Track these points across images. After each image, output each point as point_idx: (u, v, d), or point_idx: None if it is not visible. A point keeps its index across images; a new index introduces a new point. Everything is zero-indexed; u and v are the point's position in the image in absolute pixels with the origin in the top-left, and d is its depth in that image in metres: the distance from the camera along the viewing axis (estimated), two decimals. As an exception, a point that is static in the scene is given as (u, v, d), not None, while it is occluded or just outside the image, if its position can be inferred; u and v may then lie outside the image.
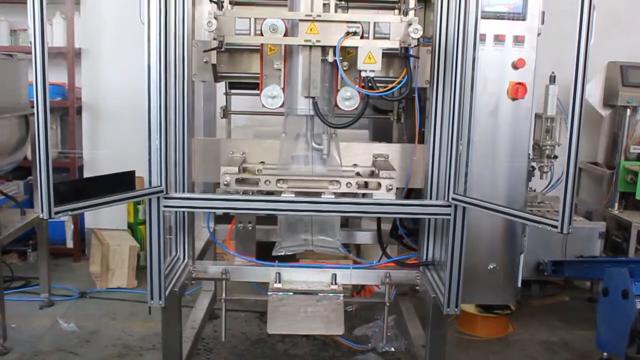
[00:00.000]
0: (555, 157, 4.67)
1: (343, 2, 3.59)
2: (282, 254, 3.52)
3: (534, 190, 5.19)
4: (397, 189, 3.33)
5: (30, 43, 2.50)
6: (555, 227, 2.59)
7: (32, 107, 2.50)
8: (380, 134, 4.75)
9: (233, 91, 4.16)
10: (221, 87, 4.27)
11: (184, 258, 3.54)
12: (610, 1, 5.95)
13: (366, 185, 3.18)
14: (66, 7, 5.97)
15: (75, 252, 6.23)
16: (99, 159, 6.25)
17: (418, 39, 3.09)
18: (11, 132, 4.60)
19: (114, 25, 5.97)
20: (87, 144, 6.31)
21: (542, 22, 3.44)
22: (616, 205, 5.66)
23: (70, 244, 6.25)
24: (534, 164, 4.23)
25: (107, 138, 6.26)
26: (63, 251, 6.24)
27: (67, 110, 6.03)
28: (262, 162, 3.51)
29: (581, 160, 5.38)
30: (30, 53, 2.49)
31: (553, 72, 4.46)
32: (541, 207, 5.39)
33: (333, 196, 3.09)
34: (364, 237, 4.64)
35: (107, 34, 6.11)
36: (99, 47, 6.19)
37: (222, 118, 4.24)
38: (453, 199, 3.06)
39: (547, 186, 4.94)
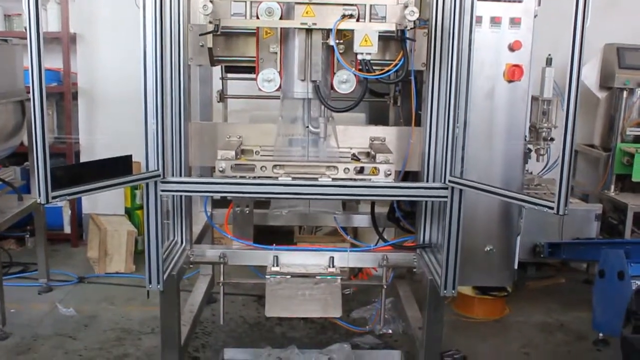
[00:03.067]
0: (552, 139, 4.68)
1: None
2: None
3: (531, 173, 5.20)
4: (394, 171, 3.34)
5: (25, 28, 2.49)
6: (552, 208, 2.60)
7: (28, 92, 2.49)
8: (377, 117, 4.75)
9: (229, 75, 4.15)
10: (217, 71, 4.26)
11: (181, 242, 3.55)
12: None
13: (363, 170, 3.17)
14: (61, -8, 5.95)
15: (72, 238, 6.24)
16: (96, 144, 6.23)
17: (414, 22, 3.08)
18: (7, 117, 4.59)
19: (109, 10, 5.94)
20: (83, 129, 6.29)
21: (539, 4, 3.43)
22: (612, 187, 5.68)
23: (67, 229, 6.26)
24: (530, 146, 4.24)
25: (104, 123, 6.25)
26: (61, 237, 6.25)
27: (63, 95, 6.02)
28: (259, 146, 3.51)
29: (577, 142, 5.40)
30: (25, 38, 2.48)
31: (549, 55, 4.47)
32: (538, 189, 5.40)
33: (330, 179, 3.10)
34: (361, 220, 4.65)
35: (102, 18, 6.08)
36: (94, 31, 6.16)
37: (218, 102, 4.24)
38: (450, 181, 3.06)
39: (543, 168, 4.96)
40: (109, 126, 6.13)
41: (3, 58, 4.58)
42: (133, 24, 3.07)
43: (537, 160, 4.65)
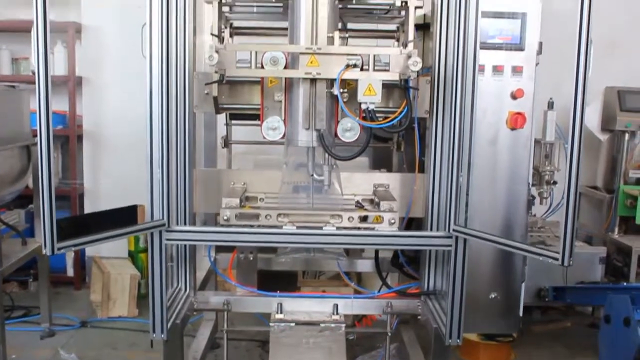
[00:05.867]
0: (555, 182, 4.70)
1: (343, 32, 3.62)
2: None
3: (534, 215, 5.21)
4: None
5: (32, 72, 2.53)
6: (557, 259, 2.59)
7: (34, 136, 2.52)
8: (380, 161, 4.76)
9: (234, 121, 4.18)
10: (222, 116, 4.29)
11: (185, 289, 3.54)
12: (605, 26, 5.99)
13: (367, 218, 3.18)
14: (67, 36, 6.02)
15: (76, 281, 6.23)
16: (100, 187, 6.27)
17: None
18: (13, 162, 4.62)
19: (115, 54, 6.01)
20: (88, 172, 6.33)
21: (540, 52, 3.48)
22: (616, 229, 5.67)
23: (71, 272, 6.25)
24: (534, 192, 4.25)
25: (109, 165, 6.28)
26: (64, 279, 6.23)
27: (68, 138, 6.06)
28: (264, 193, 3.52)
29: (581, 184, 5.39)
30: (32, 82, 2.52)
31: (551, 98, 4.51)
32: (542, 232, 5.40)
33: (334, 228, 3.10)
34: (365, 265, 4.64)
35: (108, 62, 6.15)
36: (100, 75, 6.23)
37: (223, 148, 4.27)
38: (454, 230, 3.07)
39: (547, 211, 4.96)
40: (114, 169, 6.16)
41: (10, 104, 4.63)
42: (139, 67, 3.12)
43: (541, 203, 4.66)
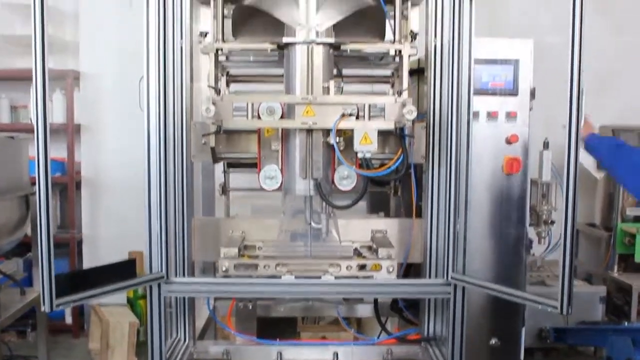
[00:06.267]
0: (552, 222, 4.70)
1: (338, 79, 3.66)
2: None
3: (533, 254, 5.20)
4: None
5: (31, 120, 2.56)
6: (556, 307, 2.59)
7: (33, 183, 2.54)
8: (378, 204, 4.77)
9: (231, 169, 4.20)
10: (220, 164, 4.30)
11: (184, 339, 3.53)
12: (597, 63, 6.06)
13: (365, 266, 3.18)
14: (66, 83, 6.09)
15: (74, 329, 6.19)
16: (99, 233, 6.26)
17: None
18: (12, 212, 4.63)
19: (113, 101, 6.06)
20: (86, 218, 6.33)
21: (533, 97, 3.52)
22: (615, 267, 5.67)
23: (69, 320, 6.22)
24: (532, 232, 4.26)
25: (107, 212, 6.28)
26: (62, 327, 6.19)
27: (66, 185, 6.08)
28: (262, 241, 3.52)
29: (578, 222, 5.40)
30: (31, 129, 2.57)
31: (546, 138, 4.54)
32: (541, 271, 5.40)
33: (333, 278, 3.10)
34: (364, 309, 4.61)
35: (106, 109, 6.19)
36: (99, 122, 6.26)
37: (220, 195, 4.28)
38: (452, 278, 3.07)
39: (545, 250, 4.95)
40: (112, 215, 6.17)
41: (9, 154, 4.65)
42: (137, 114, 3.15)
43: (539, 243, 4.66)
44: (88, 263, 6.18)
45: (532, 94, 3.51)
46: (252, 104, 3.13)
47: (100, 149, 6.27)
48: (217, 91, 3.19)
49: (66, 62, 6.21)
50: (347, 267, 3.14)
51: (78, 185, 6.28)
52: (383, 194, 4.46)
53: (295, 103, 3.09)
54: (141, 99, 3.08)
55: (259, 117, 3.13)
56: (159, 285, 3.05)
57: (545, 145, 4.57)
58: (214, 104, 3.02)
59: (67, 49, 6.25)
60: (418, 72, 3.72)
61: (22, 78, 5.75)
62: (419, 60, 3.66)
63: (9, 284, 4.84)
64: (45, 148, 2.51)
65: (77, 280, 2.76)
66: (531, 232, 4.16)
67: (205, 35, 3.55)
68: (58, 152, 6.04)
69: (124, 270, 2.96)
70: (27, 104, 6.29)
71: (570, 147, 2.55)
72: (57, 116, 6.12)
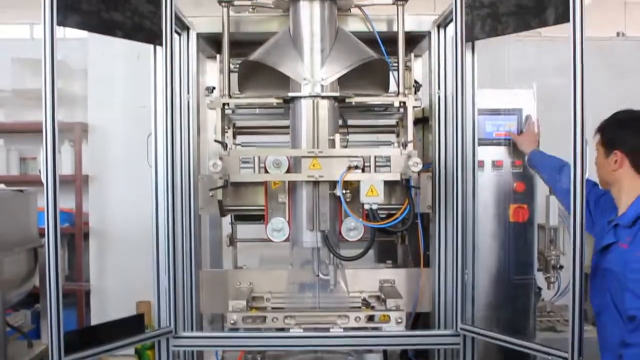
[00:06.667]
0: (561, 267, 4.67)
1: (343, 129, 3.70)
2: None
3: (543, 299, 5.16)
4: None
5: (39, 171, 2.60)
6: (566, 358, 2.58)
7: (41, 235, 2.57)
8: (385, 253, 4.76)
9: (239, 222, 4.22)
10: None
11: (193, 389, 3.51)
12: (599, 109, 6.09)
13: (374, 317, 3.17)
14: (75, 135, 6.15)
15: (82, 380, 6.13)
16: (107, 283, 6.26)
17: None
18: (20, 265, 4.63)
19: (122, 152, 6.10)
20: (94, 269, 6.32)
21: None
22: (626, 310, 5.59)
23: (77, 371, 6.16)
24: (541, 278, 4.24)
25: (115, 262, 6.27)
26: (70, 378, 6.13)
27: (74, 235, 6.10)
28: (270, 293, 3.52)
29: (587, 265, 5.36)
30: (40, 181, 2.63)
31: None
32: (551, 316, 5.33)
33: (342, 330, 3.09)
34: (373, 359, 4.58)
35: (114, 160, 6.23)
36: (107, 173, 6.29)
37: (228, 246, 4.28)
38: (461, 329, 3.06)
39: (555, 294, 4.91)
40: (120, 265, 6.15)
41: (18, 208, 4.68)
42: (145, 165, 3.19)
43: (548, 288, 4.62)
44: (96, 314, 6.16)
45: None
46: (259, 157, 3.17)
47: (108, 200, 6.29)
48: (224, 146, 3.23)
49: (74, 114, 6.28)
50: (355, 319, 3.14)
51: (86, 236, 6.30)
52: (391, 242, 4.47)
53: (302, 156, 3.12)
54: (149, 156, 3.12)
55: (265, 170, 3.16)
56: (167, 340, 3.04)
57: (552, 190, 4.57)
58: (220, 159, 3.06)
59: (76, 102, 6.31)
60: (423, 121, 3.77)
61: (31, 130, 5.84)
62: (423, 109, 3.71)
63: (16, 337, 4.82)
64: (54, 202, 2.55)
65: (86, 336, 2.76)
66: (540, 277, 4.14)
67: (212, 90, 3.62)
68: (66, 203, 6.07)
69: (132, 325, 2.97)
70: (36, 156, 6.35)
71: (576, 192, 2.56)
72: (65, 167, 6.16)
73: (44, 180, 2.59)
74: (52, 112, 2.59)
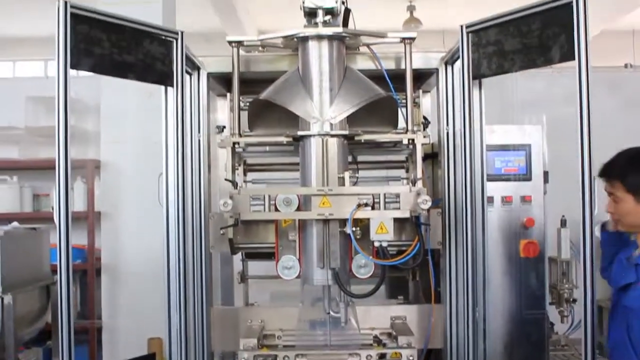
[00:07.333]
0: (574, 300, 4.64)
1: (353, 165, 3.72)
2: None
3: (557, 333, 5.12)
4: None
5: (52, 208, 2.64)
6: (579, 397, 2.56)
7: (54, 271, 2.60)
8: (397, 288, 4.75)
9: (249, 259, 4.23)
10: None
11: None
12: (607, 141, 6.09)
13: (385, 355, 3.16)
14: (87, 172, 6.21)
15: (93, 418, 6.13)
16: (119, 320, 6.25)
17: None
18: (32, 303, 4.67)
19: (134, 189, 6.13)
20: (106, 305, 6.33)
21: (547, 181, 3.55)
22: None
23: (88, 409, 6.16)
24: (554, 312, 4.21)
25: (126, 298, 6.26)
26: (81, 417, 6.13)
27: (86, 272, 6.13)
28: (281, 330, 3.52)
29: (600, 298, 5.33)
30: (52, 217, 2.65)
31: (563, 216, 4.53)
32: (565, 350, 5.28)
33: (353, 367, 3.09)
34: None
35: (126, 196, 6.27)
36: (119, 210, 6.31)
37: (239, 283, 4.29)
38: (474, 367, 3.05)
39: (569, 328, 4.87)
40: (132, 302, 6.15)
41: (31, 246, 4.73)
42: (156, 202, 3.21)
43: (562, 322, 4.59)
44: (108, 351, 6.15)
45: (546, 178, 3.54)
46: (269, 197, 3.19)
47: (120, 236, 6.31)
48: (235, 184, 3.25)
49: (87, 150, 6.36)
50: (367, 357, 3.13)
51: (98, 272, 6.32)
52: (402, 278, 4.46)
53: (312, 195, 3.14)
54: (160, 195, 3.15)
55: (276, 209, 3.18)
56: (179, 381, 3.04)
57: (563, 223, 4.55)
58: (231, 197, 3.08)
59: (89, 138, 6.41)
60: (433, 156, 3.78)
61: (44, 167, 5.90)
62: (432, 144, 3.72)
63: (29, 376, 4.84)
64: (67, 240, 2.58)
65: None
66: (553, 311, 4.12)
67: (222, 129, 3.66)
68: (78, 239, 6.11)
69: (144, 365, 2.97)
70: (49, 192, 6.41)
71: (585, 225, 2.56)
72: (78, 204, 6.22)
73: (56, 218, 2.62)
74: (65, 150, 2.63)
